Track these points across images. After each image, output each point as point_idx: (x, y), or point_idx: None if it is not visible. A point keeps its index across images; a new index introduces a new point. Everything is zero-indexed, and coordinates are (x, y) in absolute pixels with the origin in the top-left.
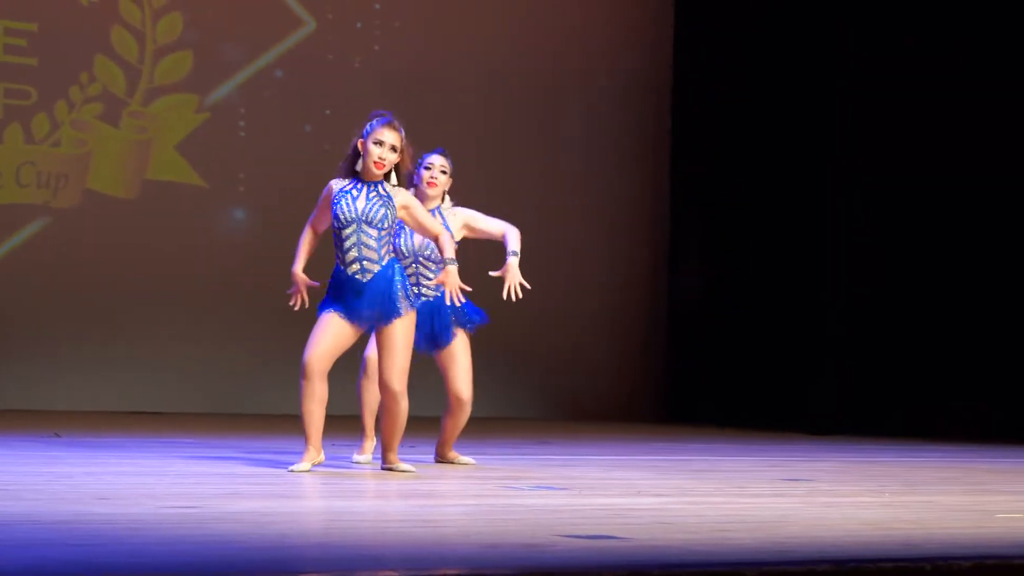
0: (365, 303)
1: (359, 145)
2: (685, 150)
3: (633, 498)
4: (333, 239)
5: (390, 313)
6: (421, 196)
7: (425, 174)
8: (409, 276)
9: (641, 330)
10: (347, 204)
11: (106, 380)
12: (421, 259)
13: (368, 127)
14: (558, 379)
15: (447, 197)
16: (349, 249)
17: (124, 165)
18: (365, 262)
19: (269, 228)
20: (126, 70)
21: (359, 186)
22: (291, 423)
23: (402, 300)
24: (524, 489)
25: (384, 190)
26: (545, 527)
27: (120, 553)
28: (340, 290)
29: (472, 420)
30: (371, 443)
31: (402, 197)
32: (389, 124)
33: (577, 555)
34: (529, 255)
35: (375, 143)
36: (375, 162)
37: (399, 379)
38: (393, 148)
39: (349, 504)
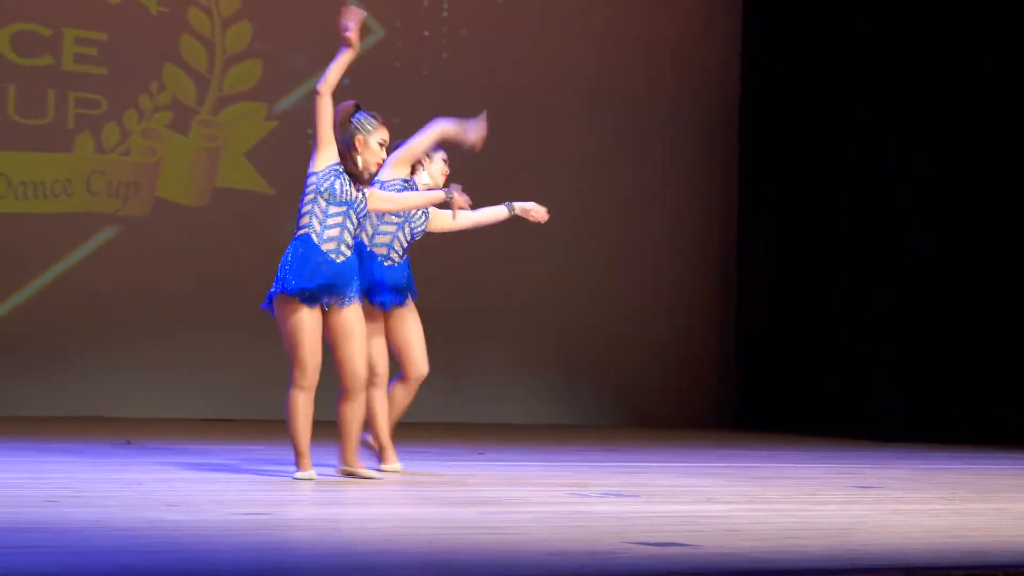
0: (331, 289)
1: (360, 141)
2: (752, 159)
3: (702, 505)
4: (310, 206)
5: (349, 298)
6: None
7: (444, 167)
8: (336, 227)
9: (710, 337)
10: (345, 186)
11: (176, 387)
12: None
13: (360, 122)
14: (627, 386)
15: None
16: (333, 227)
17: (193, 173)
18: (343, 245)
19: None
20: (195, 79)
21: (346, 173)
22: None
23: (357, 288)
24: (593, 496)
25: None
26: (614, 534)
27: (189, 559)
28: (305, 265)
29: (541, 427)
30: (392, 451)
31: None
32: (384, 123)
33: (645, 562)
34: (599, 264)
35: (380, 143)
36: (377, 163)
37: (364, 366)
38: (381, 144)
39: (417, 511)
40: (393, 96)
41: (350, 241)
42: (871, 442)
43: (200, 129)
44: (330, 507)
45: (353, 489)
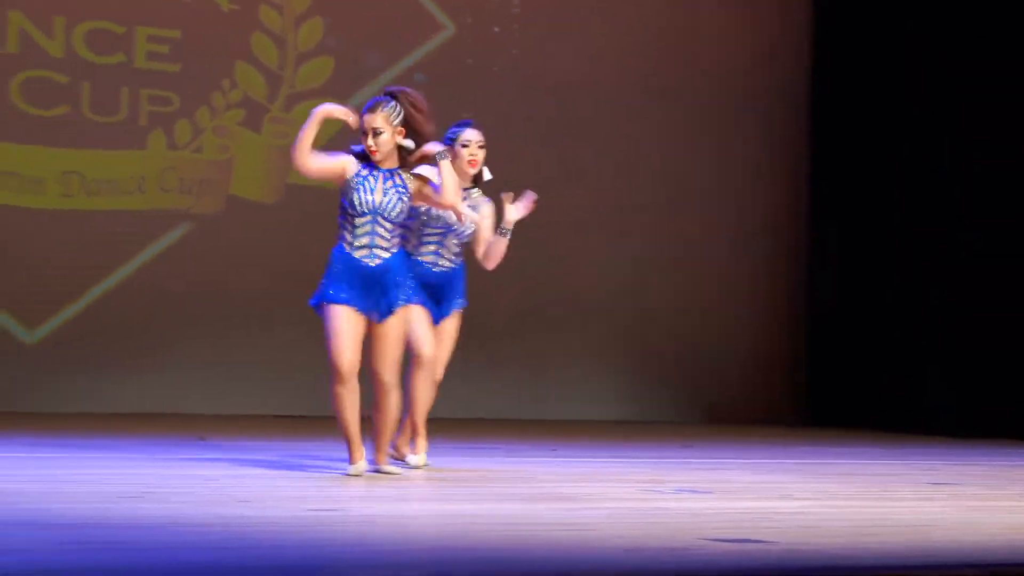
0: (369, 294)
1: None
2: (823, 156)
3: (777, 501)
4: (341, 217)
5: (392, 305)
6: (460, 174)
7: (464, 152)
8: (366, 235)
9: (783, 333)
10: (364, 195)
11: (249, 383)
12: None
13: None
14: (700, 382)
15: (485, 171)
16: (361, 236)
17: (266, 170)
18: (376, 250)
19: None
20: (267, 76)
21: (375, 173)
22: (432, 424)
23: (403, 292)
24: (667, 492)
25: (401, 180)
26: (689, 530)
27: (262, 556)
28: (343, 275)
29: (614, 423)
30: (424, 442)
31: (415, 184)
32: (370, 108)
33: (721, 559)
34: (671, 260)
35: (363, 133)
36: (370, 150)
37: (391, 371)
38: (376, 131)
39: (490, 507)
40: (465, 93)
41: (384, 244)
42: (947, 438)
43: (272, 126)
44: (401, 503)
45: (425, 485)
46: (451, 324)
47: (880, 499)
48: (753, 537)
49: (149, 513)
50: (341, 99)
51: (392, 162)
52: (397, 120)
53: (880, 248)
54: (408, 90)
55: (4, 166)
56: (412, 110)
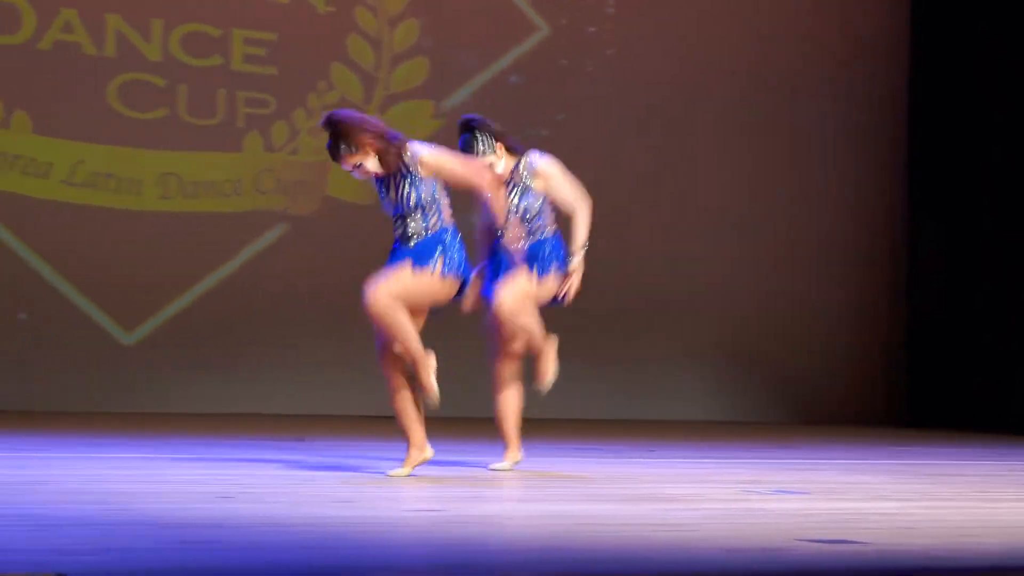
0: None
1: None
2: (923, 154)
3: (873, 502)
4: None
5: (423, 261)
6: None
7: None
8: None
9: (881, 333)
10: (385, 204)
11: (347, 384)
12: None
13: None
14: (797, 382)
15: (529, 151)
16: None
17: None
18: (415, 237)
19: None
20: (363, 77)
21: (384, 180)
22: (528, 425)
23: (438, 261)
24: (764, 493)
25: (404, 166)
26: (785, 531)
27: (363, 556)
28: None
29: (710, 424)
30: (514, 452)
31: (429, 160)
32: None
33: (817, 559)
34: (768, 259)
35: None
36: (357, 178)
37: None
38: (355, 166)
39: (588, 507)
40: (559, 94)
41: (421, 232)
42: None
43: None
44: (502, 504)
45: (525, 486)
46: None
47: (977, 500)
48: (849, 538)
49: (248, 513)
50: (436, 99)
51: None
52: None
53: (990, 245)
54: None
55: (102, 168)
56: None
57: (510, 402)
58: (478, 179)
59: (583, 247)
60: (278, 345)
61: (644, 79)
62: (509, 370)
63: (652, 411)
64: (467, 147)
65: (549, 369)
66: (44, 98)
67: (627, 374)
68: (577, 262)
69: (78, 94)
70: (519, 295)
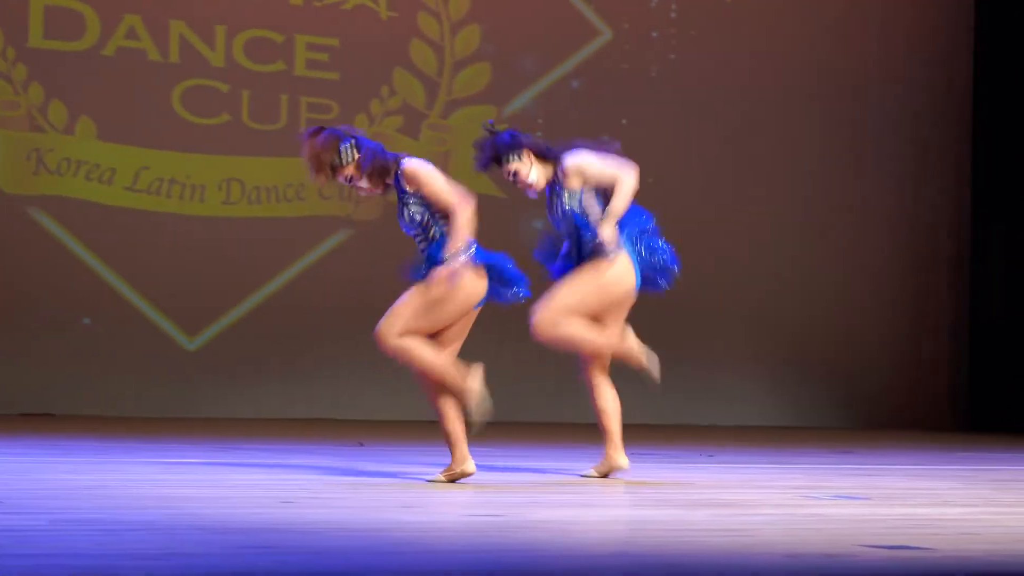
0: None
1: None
2: (986, 160)
3: (936, 508)
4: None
5: (419, 274)
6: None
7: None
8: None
9: (943, 338)
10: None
11: (408, 389)
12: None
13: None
14: (857, 387)
15: (560, 158)
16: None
17: None
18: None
19: None
20: (425, 83)
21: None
22: (585, 431)
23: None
24: (825, 498)
25: (391, 181)
26: (847, 537)
27: (427, 561)
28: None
29: (770, 429)
30: (616, 454)
31: (412, 175)
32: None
33: (879, 566)
34: (829, 264)
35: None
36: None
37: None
38: (348, 179)
39: (650, 513)
40: (622, 98)
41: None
42: None
43: (430, 133)
44: (564, 509)
45: (586, 492)
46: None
47: None
48: (910, 544)
49: (310, 518)
50: (499, 105)
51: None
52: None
53: None
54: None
55: (166, 174)
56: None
57: (599, 404)
58: (449, 197)
59: (616, 215)
60: (340, 350)
61: (707, 83)
62: (593, 374)
63: (711, 416)
64: (491, 161)
65: (644, 362)
66: (108, 104)
67: (686, 379)
68: (613, 233)
69: (142, 100)
70: (553, 309)
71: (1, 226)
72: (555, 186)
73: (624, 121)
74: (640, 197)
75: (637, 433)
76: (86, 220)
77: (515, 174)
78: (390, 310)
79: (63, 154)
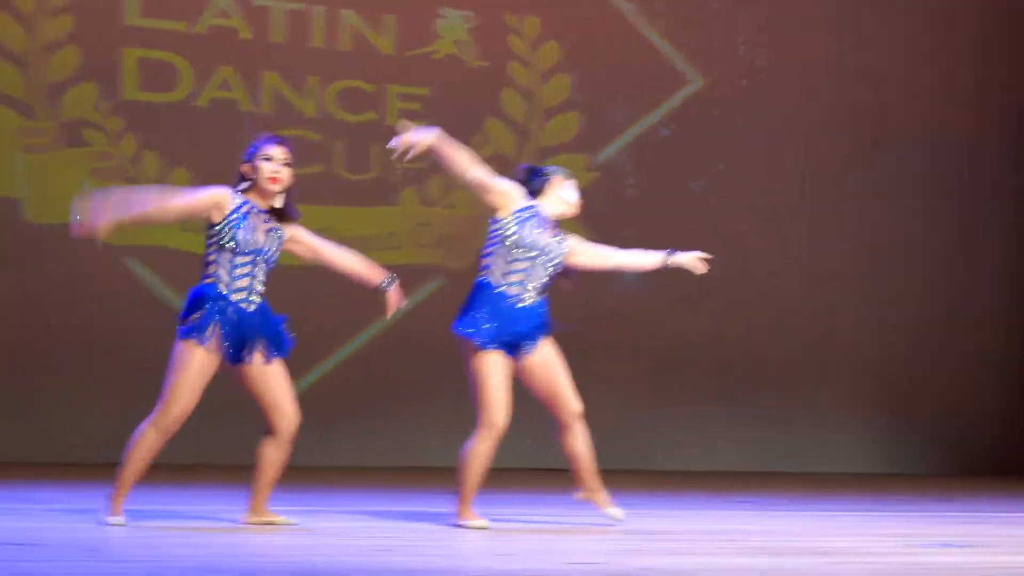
0: (248, 335)
1: (246, 169)
2: None
3: None
4: (213, 255)
5: (280, 346)
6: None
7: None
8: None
9: None
10: (248, 233)
11: (506, 436)
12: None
13: (251, 149)
14: (956, 434)
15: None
16: (242, 277)
17: None
18: (253, 295)
19: (657, 283)
20: (515, 131)
21: (254, 211)
22: (679, 479)
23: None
24: (926, 546)
25: (274, 222)
26: None
27: None
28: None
29: (869, 476)
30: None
31: (291, 231)
32: (278, 142)
33: None
34: (923, 310)
35: (264, 159)
36: (269, 177)
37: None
38: (287, 163)
39: (750, 561)
40: (712, 146)
41: (260, 289)
42: None
43: None
44: (665, 557)
45: (681, 540)
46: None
47: None
48: None
49: (408, 566)
50: (589, 153)
51: (269, 199)
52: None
53: None
54: None
55: None
56: None
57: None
58: None
59: None
60: (432, 397)
61: (797, 131)
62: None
63: (807, 464)
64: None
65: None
66: (202, 154)
67: (784, 426)
68: None
69: (235, 151)
70: None
71: (98, 276)
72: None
73: (720, 167)
74: (733, 243)
75: (738, 481)
76: (184, 270)
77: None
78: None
79: None
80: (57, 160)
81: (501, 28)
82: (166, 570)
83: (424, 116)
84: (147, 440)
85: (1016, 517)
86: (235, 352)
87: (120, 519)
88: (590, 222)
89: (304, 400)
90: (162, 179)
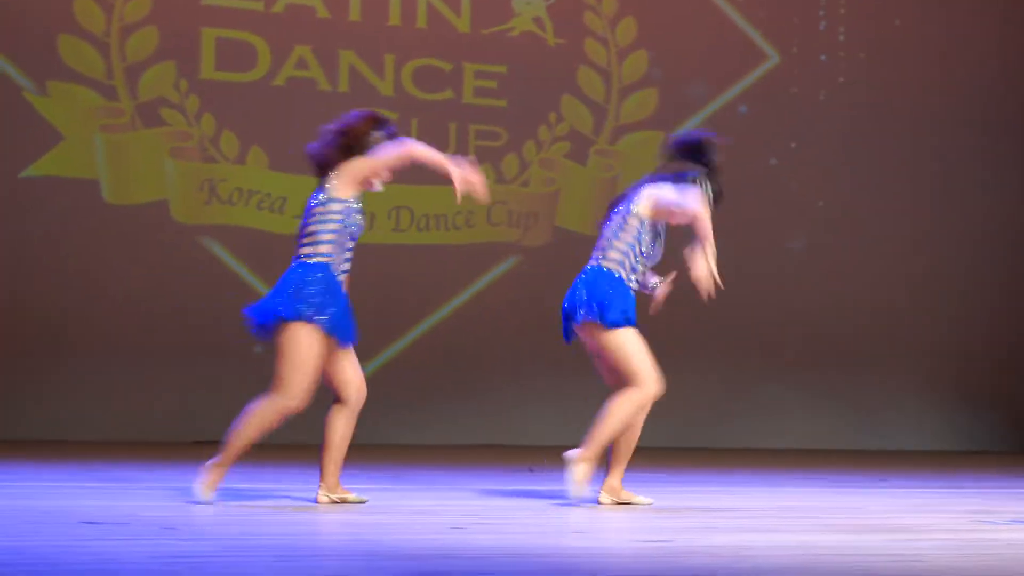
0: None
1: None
2: None
3: None
4: (330, 235)
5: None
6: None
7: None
8: None
9: None
10: (361, 219)
11: (577, 414)
12: None
13: (390, 130)
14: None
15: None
16: (347, 260)
17: (592, 202)
18: (343, 277)
19: (733, 261)
20: (593, 109)
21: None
22: (761, 455)
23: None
24: (998, 523)
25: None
26: (1021, 562)
27: None
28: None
29: (941, 453)
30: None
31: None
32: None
33: None
34: (992, 287)
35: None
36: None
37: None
38: None
39: (821, 538)
40: (790, 122)
41: None
42: None
43: (598, 159)
44: (735, 534)
45: (754, 516)
46: None
47: None
48: None
49: (482, 544)
50: (666, 130)
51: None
52: None
53: None
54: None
55: None
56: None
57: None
58: None
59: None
60: (513, 375)
61: (876, 105)
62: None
63: (878, 441)
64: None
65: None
66: (279, 134)
67: (856, 404)
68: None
69: (312, 130)
70: None
71: (175, 255)
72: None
73: (793, 144)
74: (810, 221)
75: (806, 458)
76: (258, 249)
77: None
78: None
79: (235, 184)
80: (135, 140)
81: (578, 5)
82: (242, 548)
83: (500, 94)
84: (266, 419)
85: None
86: (344, 333)
87: (211, 495)
88: None
89: (380, 379)
90: (240, 159)
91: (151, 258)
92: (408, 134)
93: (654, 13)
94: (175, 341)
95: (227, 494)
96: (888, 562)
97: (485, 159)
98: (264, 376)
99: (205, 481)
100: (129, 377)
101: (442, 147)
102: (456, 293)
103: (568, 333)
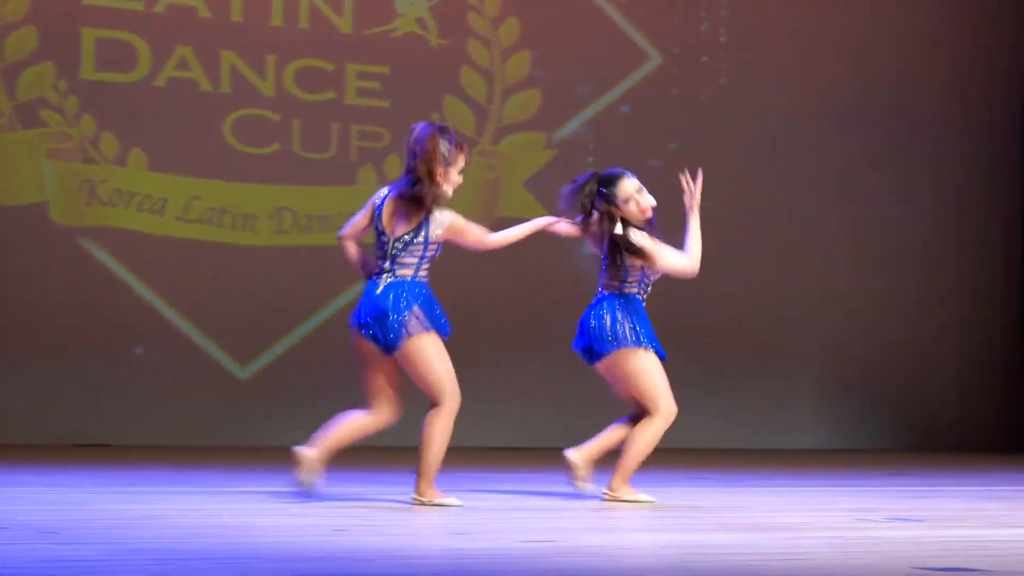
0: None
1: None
2: None
3: (990, 530)
4: (427, 264)
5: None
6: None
7: (641, 202)
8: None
9: (999, 360)
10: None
11: (470, 416)
12: None
13: (450, 145)
14: (912, 409)
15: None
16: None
17: (475, 203)
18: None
19: None
20: (475, 110)
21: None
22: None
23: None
24: (879, 521)
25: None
26: (902, 559)
27: None
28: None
29: (824, 451)
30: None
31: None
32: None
33: None
34: (885, 285)
35: (460, 173)
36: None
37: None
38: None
39: (704, 537)
40: (671, 123)
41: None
42: None
43: (480, 160)
44: (616, 534)
45: (639, 516)
46: None
47: None
48: (966, 566)
49: (363, 546)
50: (548, 131)
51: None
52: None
53: None
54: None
55: (217, 203)
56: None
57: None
58: None
59: None
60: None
61: (757, 107)
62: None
63: (763, 440)
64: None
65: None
66: (160, 135)
67: (740, 403)
68: None
69: (193, 130)
70: None
71: (54, 257)
72: None
73: (673, 146)
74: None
75: (694, 457)
76: (138, 250)
77: None
78: None
79: (115, 185)
80: (14, 141)
81: (461, 6)
82: (122, 552)
83: (383, 95)
84: (447, 428)
85: (967, 491)
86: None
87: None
88: (549, 201)
89: (260, 381)
90: (120, 160)
91: (30, 261)
92: (290, 135)
93: (537, 14)
94: (55, 343)
95: (110, 499)
96: (772, 560)
97: (367, 160)
98: (144, 378)
99: (433, 503)
100: (7, 379)
101: (325, 148)
102: (338, 295)
103: None
